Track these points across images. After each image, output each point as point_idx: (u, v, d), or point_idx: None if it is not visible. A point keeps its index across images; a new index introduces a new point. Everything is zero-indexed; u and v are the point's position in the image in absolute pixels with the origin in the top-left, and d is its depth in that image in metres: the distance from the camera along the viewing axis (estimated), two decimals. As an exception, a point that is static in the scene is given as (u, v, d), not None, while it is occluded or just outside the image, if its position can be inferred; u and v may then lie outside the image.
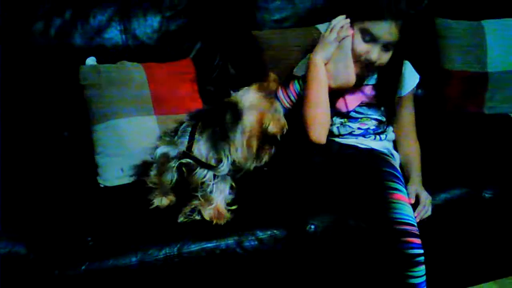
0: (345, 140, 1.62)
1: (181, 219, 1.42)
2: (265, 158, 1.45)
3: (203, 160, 1.39)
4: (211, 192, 1.41)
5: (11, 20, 1.70)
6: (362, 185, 1.46)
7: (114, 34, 1.80)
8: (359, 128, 1.61)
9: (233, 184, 1.46)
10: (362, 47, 1.45)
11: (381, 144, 1.61)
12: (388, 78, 1.55)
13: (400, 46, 1.47)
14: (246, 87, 1.45)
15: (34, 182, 1.57)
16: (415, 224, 1.38)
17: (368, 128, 1.61)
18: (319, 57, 1.49)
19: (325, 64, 1.49)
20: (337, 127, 1.61)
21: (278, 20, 1.98)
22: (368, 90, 1.58)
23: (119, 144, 1.63)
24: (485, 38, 2.01)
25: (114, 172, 1.62)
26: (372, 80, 1.58)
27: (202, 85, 1.84)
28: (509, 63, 2.02)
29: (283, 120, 1.44)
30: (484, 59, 2.01)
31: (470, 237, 1.65)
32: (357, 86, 1.55)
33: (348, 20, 1.46)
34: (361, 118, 1.60)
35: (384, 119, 1.62)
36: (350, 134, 1.61)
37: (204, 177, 1.40)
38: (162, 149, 1.43)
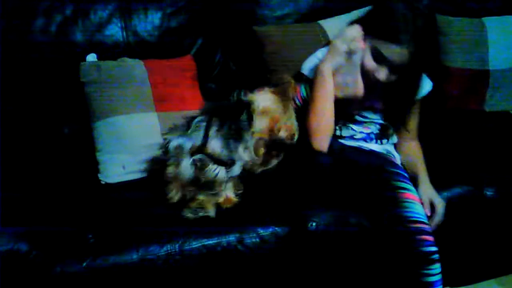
0: (346, 143, 1.61)
1: (188, 214, 1.42)
2: (273, 163, 1.46)
3: (216, 157, 1.39)
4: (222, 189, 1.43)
5: (12, 16, 1.69)
6: (369, 185, 1.45)
7: (114, 31, 1.80)
8: (361, 132, 1.60)
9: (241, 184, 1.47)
10: (372, 64, 1.42)
11: (382, 147, 1.61)
12: (403, 98, 1.52)
13: (414, 66, 1.42)
14: (264, 89, 1.44)
15: (35, 179, 1.57)
16: (427, 222, 1.38)
17: (371, 133, 1.60)
18: (327, 67, 1.45)
19: (333, 74, 1.45)
20: (339, 127, 1.60)
21: (280, 16, 1.97)
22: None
23: (120, 141, 1.63)
24: (486, 36, 2.01)
25: (115, 169, 1.62)
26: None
27: (203, 82, 1.84)
28: (510, 61, 2.02)
29: (295, 128, 1.44)
30: (485, 57, 2.01)
31: (471, 235, 1.65)
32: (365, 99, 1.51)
33: (361, 32, 1.42)
34: (365, 122, 1.60)
35: (388, 124, 1.60)
36: (352, 138, 1.60)
37: (216, 175, 1.40)
38: (175, 142, 1.41)
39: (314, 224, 1.46)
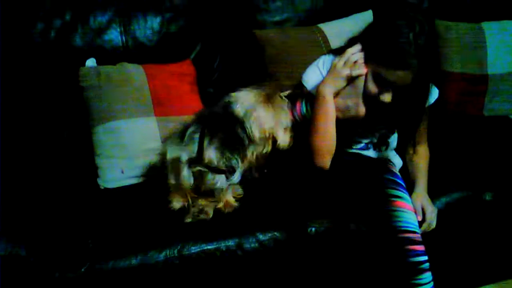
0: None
1: (188, 219, 1.43)
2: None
3: (214, 166, 1.41)
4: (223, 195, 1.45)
5: (12, 21, 1.70)
6: (364, 192, 1.45)
7: (114, 36, 1.80)
8: (359, 142, 1.60)
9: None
10: (374, 88, 1.39)
11: (380, 153, 1.61)
12: (410, 111, 1.48)
13: (418, 84, 1.39)
14: (249, 97, 1.43)
15: (34, 184, 1.57)
16: (418, 231, 1.38)
17: (370, 142, 1.60)
18: (328, 91, 1.42)
19: (334, 96, 1.43)
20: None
21: (279, 21, 1.98)
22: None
23: (119, 146, 1.63)
24: (485, 40, 2.01)
25: (114, 173, 1.62)
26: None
27: (202, 86, 1.84)
28: (509, 65, 2.02)
29: (291, 135, 1.46)
30: (484, 61, 2.01)
31: (470, 239, 1.65)
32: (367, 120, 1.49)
33: (363, 54, 1.39)
34: (366, 133, 1.58)
35: (389, 133, 1.59)
36: (350, 147, 1.60)
37: (216, 183, 1.42)
38: (173, 153, 1.43)
39: (313, 229, 1.46)
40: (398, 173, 1.52)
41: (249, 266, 1.44)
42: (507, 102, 2.03)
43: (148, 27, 1.84)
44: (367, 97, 1.41)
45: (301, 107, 1.54)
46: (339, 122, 1.46)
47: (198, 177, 1.42)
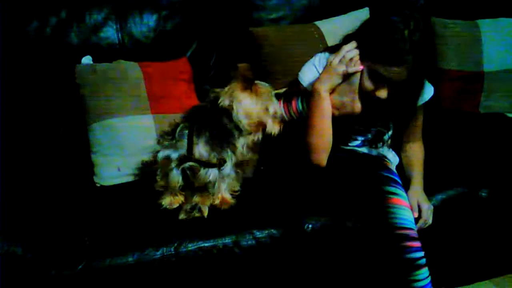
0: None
1: (181, 216, 1.43)
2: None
3: (205, 160, 1.41)
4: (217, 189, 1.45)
5: (7, 18, 1.69)
6: (360, 189, 1.46)
7: (110, 33, 1.80)
8: (355, 140, 1.60)
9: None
10: (369, 84, 1.39)
11: (376, 151, 1.61)
12: (405, 107, 1.49)
13: (413, 80, 1.39)
14: (230, 88, 1.45)
15: (30, 182, 1.57)
16: (415, 228, 1.39)
17: (366, 140, 1.60)
18: (324, 88, 1.42)
19: (330, 93, 1.43)
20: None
21: (275, 19, 1.98)
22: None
23: (115, 143, 1.63)
24: (480, 38, 2.02)
25: (111, 171, 1.62)
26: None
27: (198, 84, 1.84)
28: (505, 63, 2.03)
29: (281, 120, 1.47)
30: (479, 59, 2.02)
31: (466, 236, 1.66)
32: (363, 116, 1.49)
33: (358, 51, 1.39)
34: (361, 130, 1.58)
35: (384, 130, 1.59)
36: (345, 145, 1.60)
37: (209, 177, 1.41)
38: (163, 153, 1.43)
39: (310, 226, 1.46)
40: (395, 170, 1.52)
41: (246, 263, 1.44)
42: (503, 99, 2.04)
43: (144, 24, 1.84)
44: (362, 93, 1.41)
45: (297, 104, 1.54)
46: (335, 119, 1.46)
47: (191, 174, 1.42)
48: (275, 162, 1.61)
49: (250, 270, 1.46)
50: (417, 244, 1.36)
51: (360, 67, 1.39)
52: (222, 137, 1.42)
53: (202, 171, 1.41)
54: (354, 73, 1.40)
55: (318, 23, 1.92)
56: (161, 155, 1.43)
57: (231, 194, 1.48)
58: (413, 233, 1.37)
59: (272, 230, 1.44)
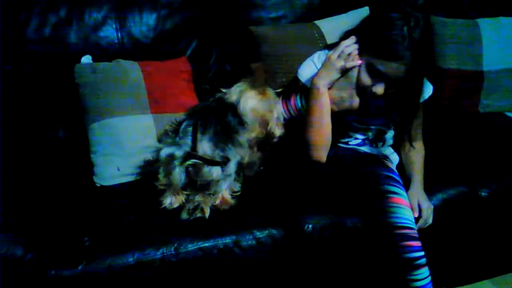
0: (340, 145, 1.61)
1: (184, 215, 1.42)
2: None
3: (208, 158, 1.40)
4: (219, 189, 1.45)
5: (6, 17, 1.68)
6: (360, 188, 1.46)
7: (109, 32, 1.80)
8: (356, 138, 1.60)
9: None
10: (367, 79, 1.39)
11: (377, 150, 1.61)
12: (404, 106, 1.49)
13: (412, 77, 1.39)
14: (239, 86, 1.45)
15: (29, 182, 1.56)
16: (415, 227, 1.39)
17: (367, 138, 1.60)
18: (322, 83, 1.43)
19: (329, 89, 1.44)
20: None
21: (275, 18, 1.98)
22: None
23: (115, 143, 1.62)
24: (480, 37, 2.02)
25: (110, 171, 1.61)
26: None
27: (198, 83, 1.84)
28: (504, 62, 2.03)
29: (283, 123, 1.48)
30: (479, 58, 2.01)
31: (467, 236, 1.66)
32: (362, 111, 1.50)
33: (357, 46, 1.40)
34: (361, 128, 1.59)
35: (385, 129, 1.59)
36: (346, 143, 1.60)
37: (212, 175, 1.41)
38: (166, 150, 1.43)
39: (310, 226, 1.46)
40: (395, 169, 1.52)
41: (246, 263, 1.44)
42: (502, 98, 2.04)
43: (143, 23, 1.83)
44: (360, 89, 1.42)
45: (296, 100, 1.55)
46: (334, 114, 1.46)
47: (194, 171, 1.42)
48: (275, 162, 1.61)
49: (251, 270, 1.46)
50: (417, 243, 1.36)
51: (359, 62, 1.39)
52: (225, 134, 1.41)
53: (206, 169, 1.40)
54: (353, 68, 1.40)
55: (318, 22, 1.92)
56: (164, 152, 1.43)
57: (231, 195, 1.47)
58: (413, 233, 1.37)
59: (272, 230, 1.44)
